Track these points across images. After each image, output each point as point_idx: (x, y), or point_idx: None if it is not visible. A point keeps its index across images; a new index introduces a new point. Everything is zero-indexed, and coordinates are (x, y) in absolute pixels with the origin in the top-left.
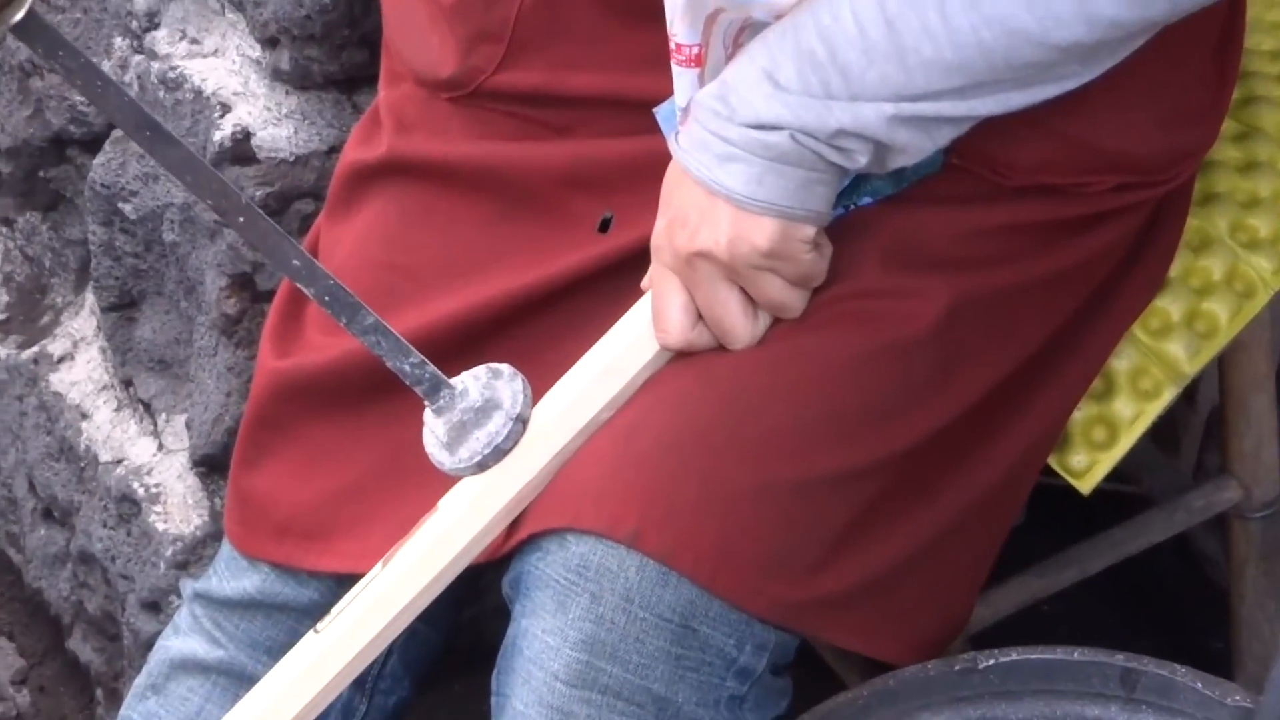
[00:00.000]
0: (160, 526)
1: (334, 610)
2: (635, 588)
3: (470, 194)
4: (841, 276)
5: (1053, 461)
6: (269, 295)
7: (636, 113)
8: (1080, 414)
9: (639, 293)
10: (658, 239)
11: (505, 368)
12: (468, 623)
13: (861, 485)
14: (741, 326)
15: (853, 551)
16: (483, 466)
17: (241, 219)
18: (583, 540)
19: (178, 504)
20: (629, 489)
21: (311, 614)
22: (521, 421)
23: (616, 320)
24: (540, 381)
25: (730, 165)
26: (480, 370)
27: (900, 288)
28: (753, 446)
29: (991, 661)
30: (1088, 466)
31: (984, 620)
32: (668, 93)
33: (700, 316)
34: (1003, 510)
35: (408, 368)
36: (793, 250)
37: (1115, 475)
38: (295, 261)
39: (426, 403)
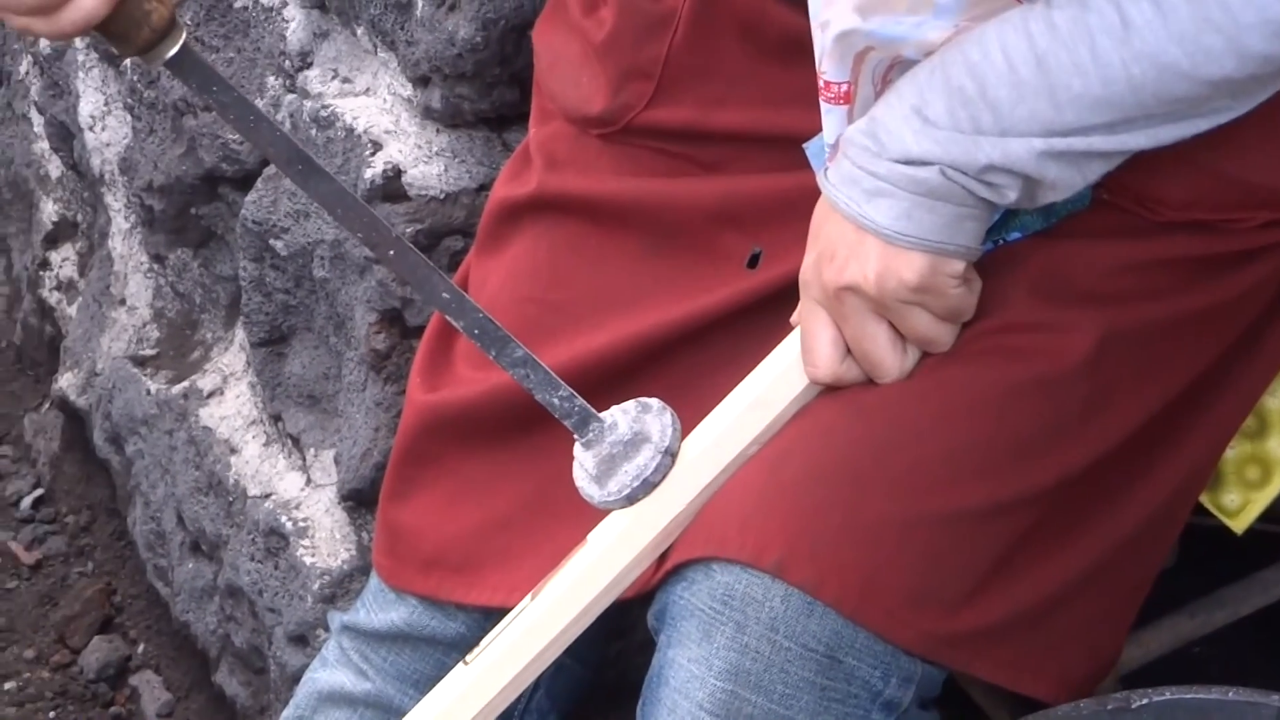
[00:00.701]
0: (308, 560)
1: (483, 643)
2: (780, 617)
3: (619, 230)
4: (990, 310)
5: (1205, 500)
6: (418, 331)
7: (785, 149)
8: (1233, 452)
9: (787, 328)
10: (806, 274)
11: (654, 401)
12: (614, 658)
13: (1009, 519)
14: (890, 360)
15: (1000, 585)
16: (631, 500)
17: (392, 253)
18: (728, 570)
19: (325, 538)
20: (774, 518)
21: (458, 647)
22: (670, 455)
23: (765, 355)
24: (689, 415)
25: (879, 200)
26: (629, 404)
27: (1049, 322)
28: (899, 478)
29: (1145, 701)
30: (1241, 506)
31: (1134, 661)
32: (816, 129)
33: (849, 351)
34: (1153, 548)
35: (556, 401)
36: (941, 285)
37: (1269, 515)
38: (445, 295)
39: (576, 436)
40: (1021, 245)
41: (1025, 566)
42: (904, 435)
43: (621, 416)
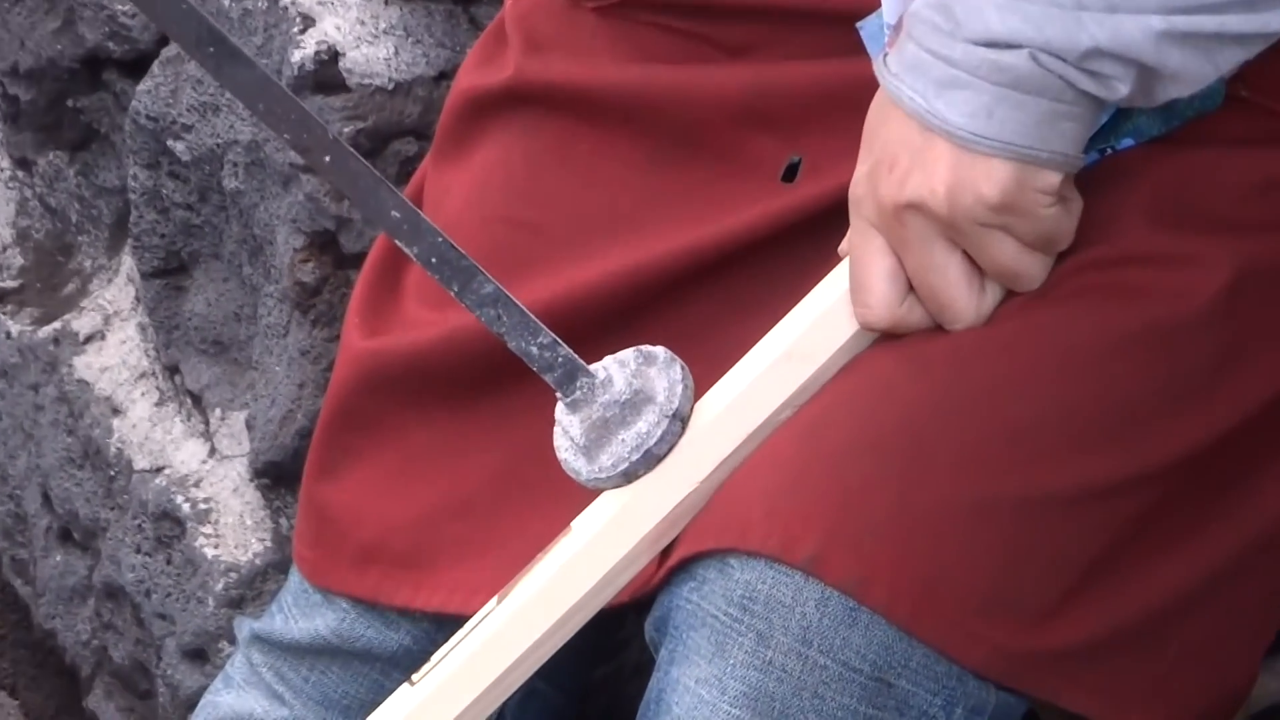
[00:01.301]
0: (210, 552)
1: (433, 659)
2: (814, 627)
3: (619, 131)
4: (1093, 239)
5: None
6: (357, 260)
7: (831, 29)
8: None
9: (834, 259)
10: (858, 189)
11: (660, 351)
12: (601, 682)
13: (1113, 507)
14: (963, 300)
15: (1099, 592)
16: (629, 476)
17: (327, 159)
18: (749, 565)
19: (233, 524)
20: (809, 501)
21: (402, 664)
22: (679, 420)
23: (803, 293)
24: (704, 371)
25: (952, 93)
26: (628, 354)
27: (1170, 253)
28: (972, 451)
29: None
30: None
31: (1272, 694)
32: (872, 4)
33: (911, 287)
34: None
35: (535, 350)
36: (1030, 203)
37: None
38: (394, 213)
39: (559, 394)
40: (1135, 155)
41: (1133, 568)
42: (979, 397)
43: (618, 370)
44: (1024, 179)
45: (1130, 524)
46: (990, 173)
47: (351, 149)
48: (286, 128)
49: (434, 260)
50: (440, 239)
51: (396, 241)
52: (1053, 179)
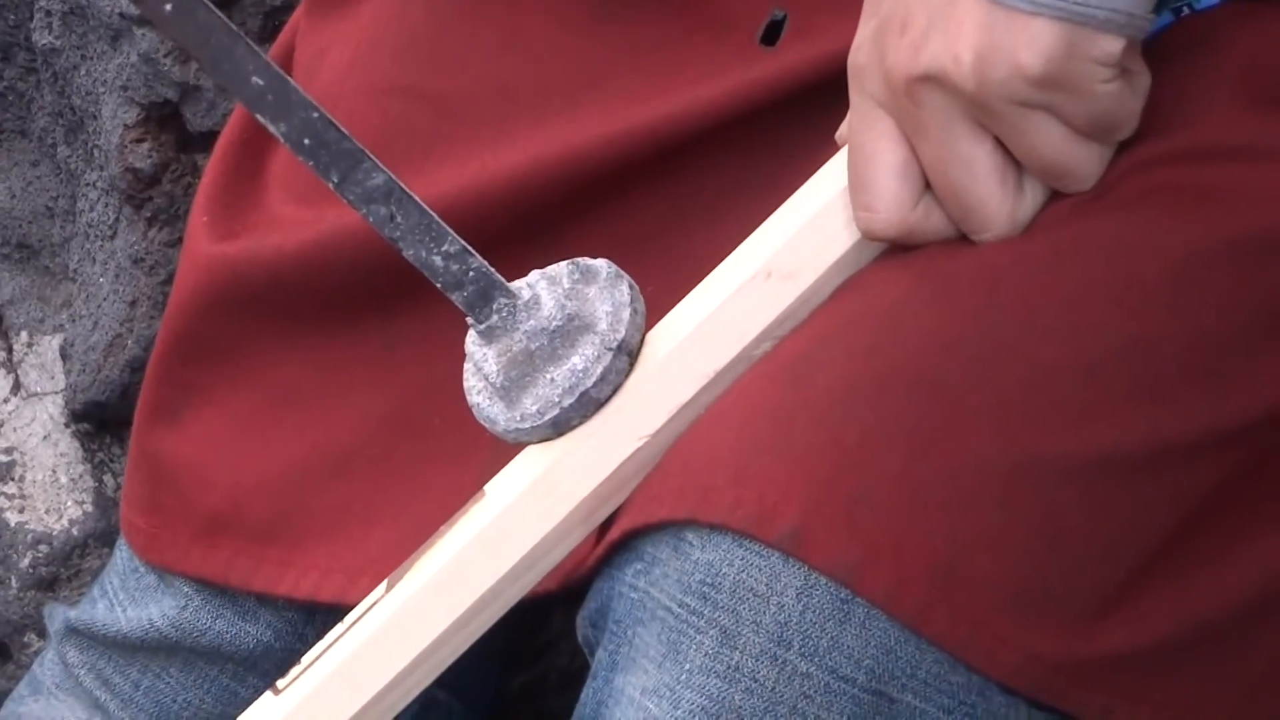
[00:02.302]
0: (12, 519)
1: (304, 660)
2: (794, 623)
3: None
4: (1163, 126)
5: None
6: (207, 141)
7: None
8: None
9: (827, 148)
10: (859, 56)
11: (603, 264)
12: (520, 694)
13: (1191, 472)
14: (994, 201)
15: (1170, 580)
16: (559, 426)
17: (167, 5)
18: (711, 542)
19: (43, 482)
20: (791, 461)
21: (260, 666)
22: (625, 353)
23: (787, 192)
24: (659, 291)
25: None
26: (561, 269)
27: (1264, 145)
28: (1005, 400)
29: None
30: None
31: None
32: None
33: (928, 185)
34: None
35: (439, 260)
36: (1083, 76)
37: None
38: (255, 79)
39: (470, 319)
40: (1219, 18)
41: (1214, 551)
42: (1014, 329)
43: (547, 289)
44: (1075, 45)
45: (1211, 494)
46: (1032, 36)
47: None
48: None
49: (306, 142)
50: (315, 114)
51: (257, 116)
52: (1112, 45)
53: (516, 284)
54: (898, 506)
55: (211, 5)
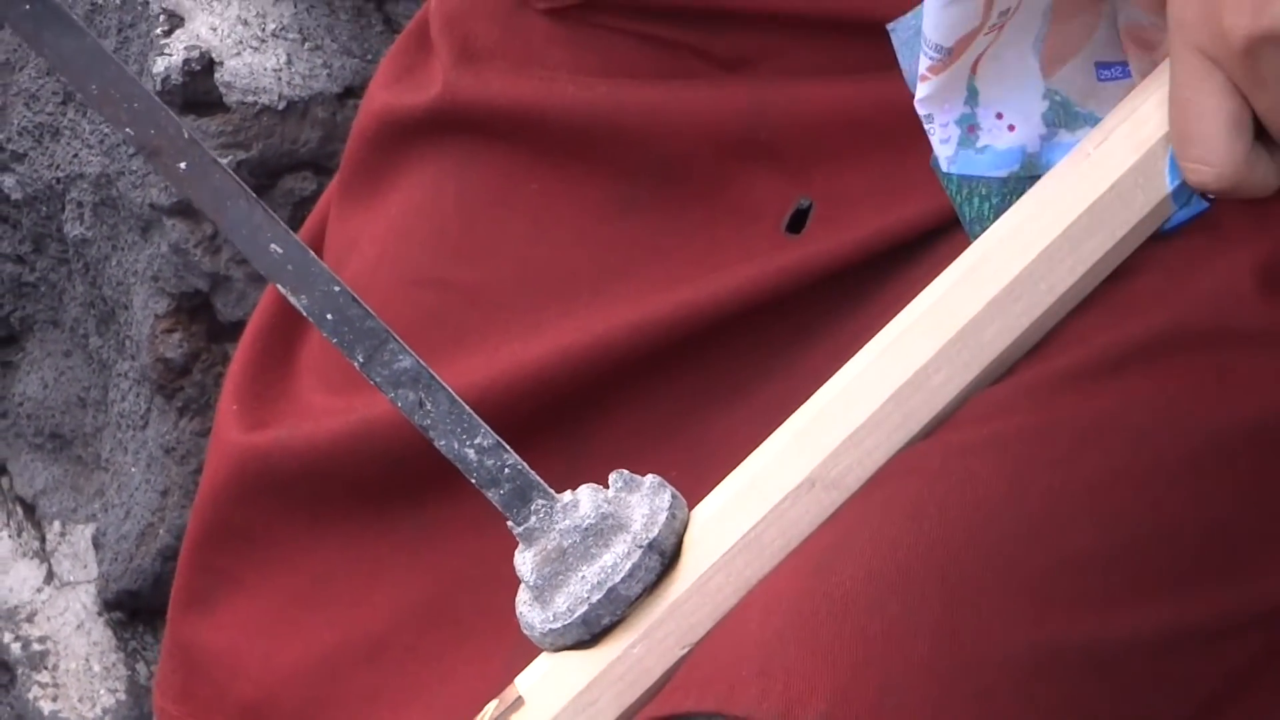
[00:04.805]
0: (47, 707)
1: None
2: None
3: (578, 167)
4: (1186, 303)
5: None
6: (236, 331)
7: (851, 39)
8: None
9: (848, 333)
10: (1187, 11)
11: (650, 477)
12: None
13: (1206, 659)
14: None
15: None
16: (589, 624)
17: (183, 165)
18: None
19: (76, 670)
20: (817, 652)
21: None
22: (657, 552)
23: (806, 376)
24: (680, 474)
25: None
26: (612, 478)
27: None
28: (1031, 586)
29: None
30: None
31: None
32: (901, 7)
33: (1266, 137)
34: None
35: (472, 454)
36: None
37: None
38: (274, 247)
39: (508, 520)
40: (1237, 213)
41: None
42: (1036, 519)
43: (588, 494)
44: None
45: (1229, 680)
46: None
47: (214, 155)
48: (128, 119)
49: (329, 317)
50: (338, 288)
51: (278, 286)
52: None
53: (564, 495)
54: (925, 697)
55: (227, 169)
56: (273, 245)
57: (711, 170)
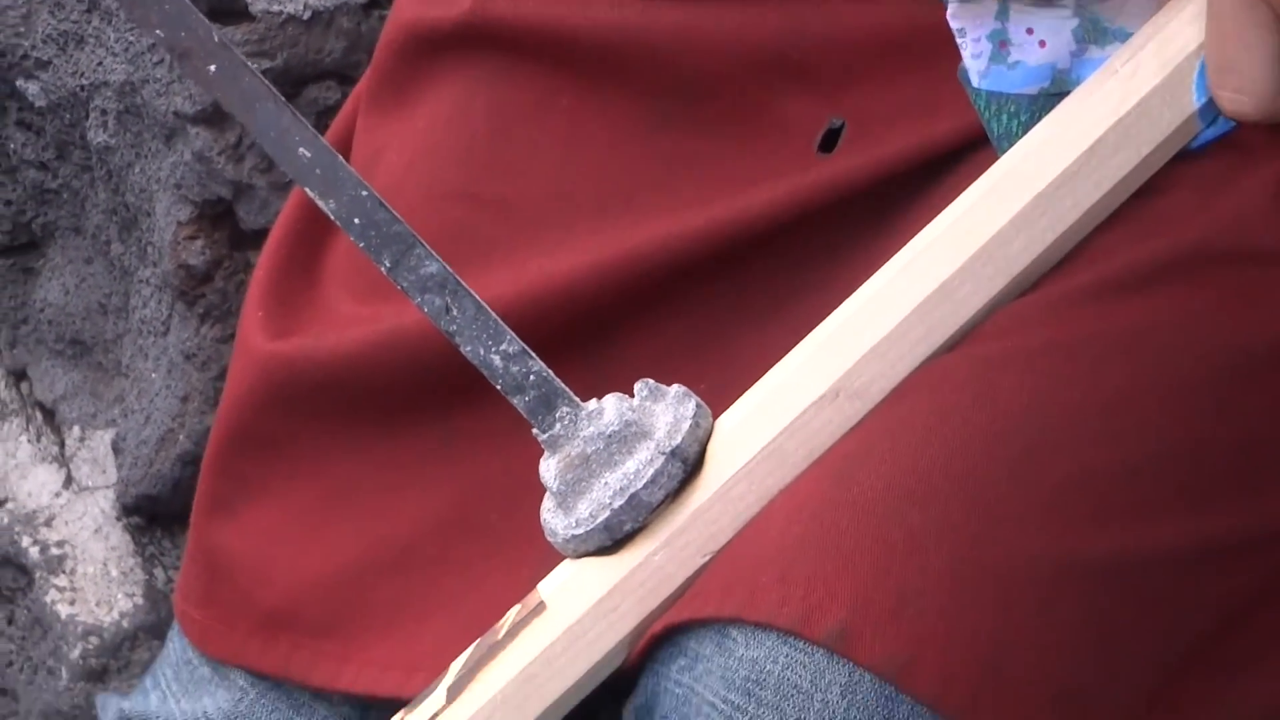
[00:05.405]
0: (64, 611)
1: None
2: (839, 719)
3: (610, 85)
4: (1216, 220)
5: None
6: (259, 238)
7: None
8: None
9: (879, 251)
10: None
11: (675, 387)
12: None
13: (1228, 574)
14: None
15: (1207, 685)
16: (612, 529)
17: (212, 68)
18: (756, 640)
19: (94, 575)
20: (835, 559)
21: None
22: (680, 459)
23: (838, 293)
24: (710, 388)
25: None
26: (637, 387)
27: None
28: (1048, 499)
29: None
30: None
31: None
32: None
33: None
34: None
35: (498, 361)
36: None
37: None
38: (303, 151)
39: (534, 427)
40: (1260, 136)
41: (1252, 653)
42: (1059, 430)
43: (614, 402)
44: None
45: (1251, 596)
46: None
47: (243, 58)
48: (157, 20)
49: (356, 221)
50: (365, 192)
51: (305, 190)
52: None
53: (589, 402)
54: (945, 605)
55: (257, 72)
56: (301, 149)
57: (744, 89)
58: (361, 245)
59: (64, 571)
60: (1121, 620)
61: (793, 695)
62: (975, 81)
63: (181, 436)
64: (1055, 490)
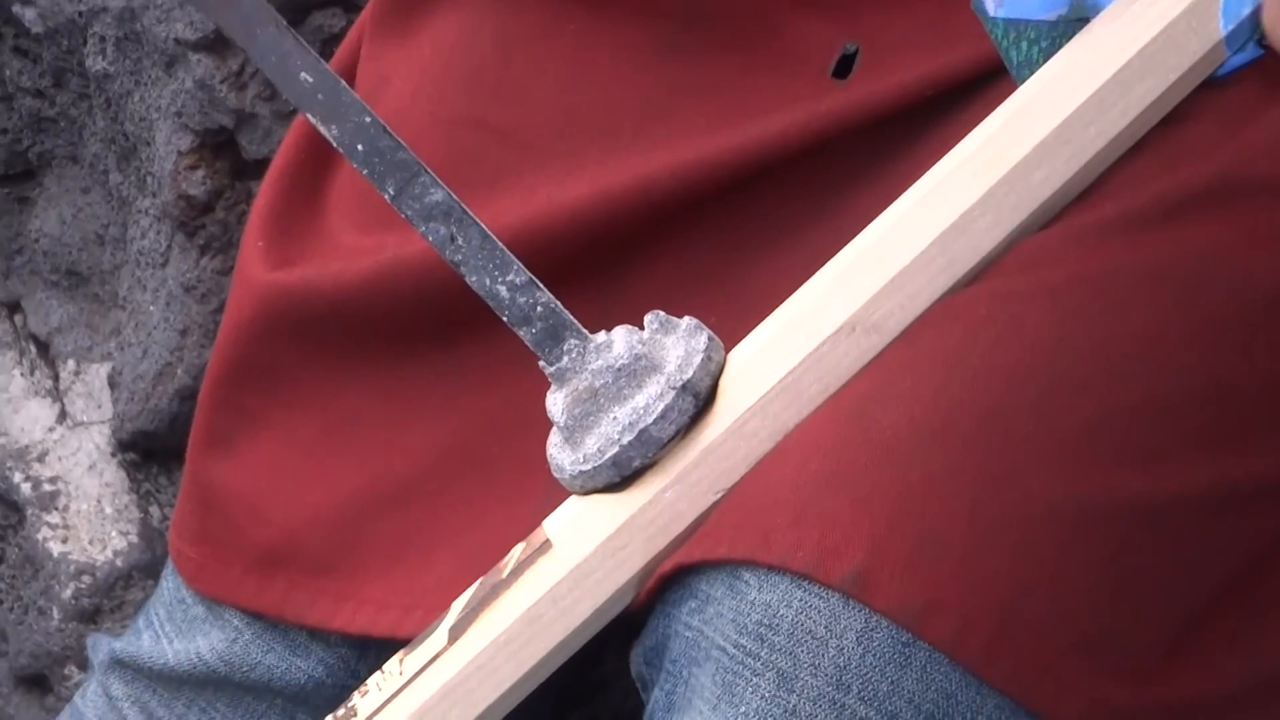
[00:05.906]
0: (56, 549)
1: (354, 698)
2: (854, 666)
3: (619, 9)
4: (1244, 151)
5: None
6: (261, 168)
7: None
8: None
9: (895, 181)
10: None
11: (686, 319)
12: None
13: (1253, 517)
14: None
15: (1232, 630)
16: (620, 466)
17: None
18: (769, 583)
19: (88, 512)
20: (853, 501)
21: (311, 701)
22: (691, 394)
23: (852, 223)
24: (722, 319)
25: None
26: (646, 319)
27: None
28: (1070, 439)
29: None
30: None
31: None
32: None
33: None
34: None
35: (504, 291)
36: None
37: None
38: (305, 75)
39: (540, 359)
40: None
41: (1275, 597)
42: (1083, 368)
43: (623, 334)
44: None
45: (1271, 539)
46: None
47: None
48: None
49: (360, 148)
50: (369, 119)
51: (308, 116)
52: None
53: (598, 335)
54: (964, 550)
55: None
56: (303, 74)
57: (756, 14)
58: (365, 172)
59: (56, 508)
60: (1144, 564)
61: (807, 640)
62: (992, 10)
63: (180, 371)
64: (1078, 431)
